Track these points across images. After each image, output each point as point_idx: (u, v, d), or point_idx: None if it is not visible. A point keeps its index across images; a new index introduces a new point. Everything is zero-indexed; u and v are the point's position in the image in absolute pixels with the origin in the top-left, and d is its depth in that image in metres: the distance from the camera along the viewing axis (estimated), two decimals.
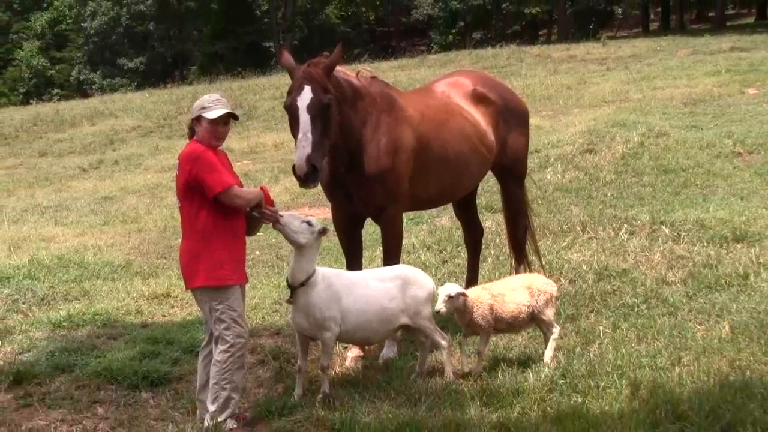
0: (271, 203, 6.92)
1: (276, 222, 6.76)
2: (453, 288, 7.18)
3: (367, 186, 7.84)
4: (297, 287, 6.90)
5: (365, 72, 8.24)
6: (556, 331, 7.53)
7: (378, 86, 8.16)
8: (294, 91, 7.23)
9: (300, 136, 7.06)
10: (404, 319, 7.31)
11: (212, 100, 6.68)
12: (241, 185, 6.77)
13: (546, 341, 7.55)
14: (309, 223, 6.83)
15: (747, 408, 6.13)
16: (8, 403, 7.46)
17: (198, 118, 6.67)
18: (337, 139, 7.61)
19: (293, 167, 7.08)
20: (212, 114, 6.58)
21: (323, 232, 6.92)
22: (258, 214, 6.79)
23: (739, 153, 16.68)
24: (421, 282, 7.43)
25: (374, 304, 7.15)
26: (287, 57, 7.61)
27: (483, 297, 7.29)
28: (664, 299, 8.98)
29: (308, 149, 7.01)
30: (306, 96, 7.14)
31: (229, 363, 6.59)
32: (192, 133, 6.78)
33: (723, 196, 13.56)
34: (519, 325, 7.51)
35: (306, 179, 7.05)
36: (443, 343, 7.42)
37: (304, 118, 7.08)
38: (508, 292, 7.40)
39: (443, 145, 8.33)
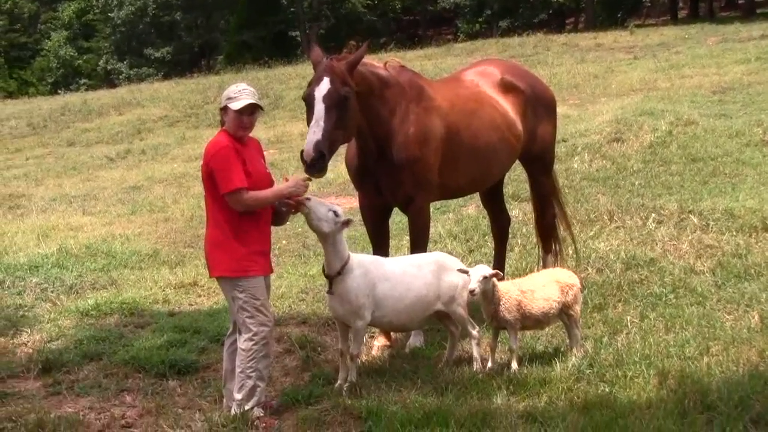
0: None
1: (302, 205, 6.75)
2: (487, 269, 7.10)
3: (396, 175, 7.83)
4: (334, 276, 6.92)
5: (393, 62, 8.22)
6: (578, 333, 7.50)
7: (407, 76, 8.14)
8: (313, 83, 7.25)
9: (312, 123, 7.10)
10: (439, 306, 7.31)
11: (238, 90, 6.68)
12: (268, 178, 6.81)
13: (570, 336, 7.50)
14: (335, 213, 6.80)
15: None
16: (37, 391, 7.52)
17: (225, 108, 6.69)
18: (365, 130, 7.62)
19: (301, 152, 7.08)
20: (237, 105, 6.59)
21: (347, 223, 6.92)
22: (284, 208, 6.81)
23: None
24: (456, 268, 7.40)
25: (411, 291, 7.16)
26: (317, 52, 7.58)
27: (512, 292, 7.19)
28: (692, 289, 8.92)
29: (318, 135, 7.02)
30: (324, 87, 7.15)
31: (253, 351, 6.61)
32: (222, 121, 6.80)
33: (752, 185, 13.43)
34: (548, 321, 7.44)
35: (312, 165, 7.02)
36: (474, 332, 7.41)
37: (319, 107, 7.10)
38: (539, 288, 7.30)
39: (473, 135, 8.31)
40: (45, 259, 11.76)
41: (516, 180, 13.74)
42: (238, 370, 6.65)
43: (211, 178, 6.59)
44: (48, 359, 7.98)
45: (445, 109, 8.15)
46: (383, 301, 7.04)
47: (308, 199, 6.75)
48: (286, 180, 6.85)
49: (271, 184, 6.83)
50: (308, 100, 7.25)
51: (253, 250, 6.67)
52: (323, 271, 7.06)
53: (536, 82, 9.41)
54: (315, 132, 7.04)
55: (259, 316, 6.65)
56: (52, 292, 10.40)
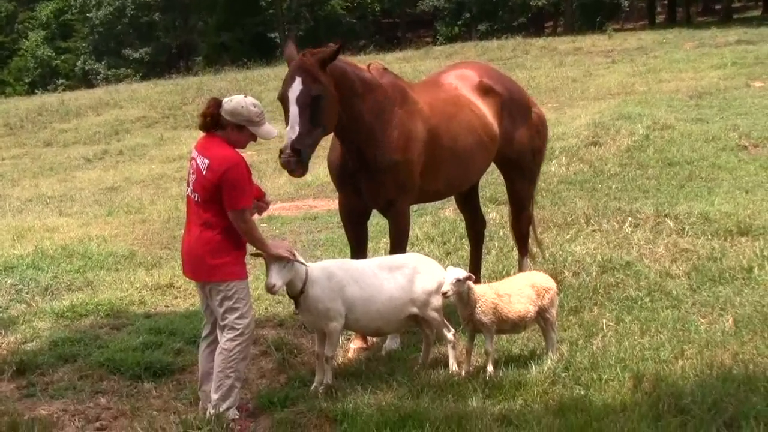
0: (263, 195, 6.94)
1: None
2: (461, 272, 7.09)
3: (378, 179, 7.81)
4: (298, 295, 6.92)
5: (377, 64, 8.23)
6: (555, 336, 7.51)
7: (389, 79, 8.12)
8: (286, 83, 7.25)
9: (288, 128, 7.10)
10: (413, 309, 7.27)
11: (259, 113, 6.55)
12: (258, 191, 6.83)
13: (546, 339, 7.50)
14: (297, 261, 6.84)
15: (750, 401, 6.12)
16: (11, 393, 7.47)
17: (240, 126, 6.56)
18: (348, 131, 7.62)
19: (280, 152, 7.11)
20: (265, 132, 6.60)
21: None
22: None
23: (745, 146, 16.63)
24: (431, 271, 7.37)
25: (382, 293, 7.12)
26: (291, 48, 7.59)
27: (488, 295, 7.16)
28: (667, 292, 8.96)
29: (293, 138, 7.04)
30: (296, 87, 7.14)
31: (236, 352, 6.60)
32: (211, 124, 6.63)
33: (728, 189, 13.51)
34: (525, 324, 7.41)
35: (291, 166, 7.06)
36: (449, 336, 7.38)
37: (293, 110, 7.11)
38: (515, 292, 7.28)
39: (453, 138, 8.31)
40: (20, 260, 11.66)
41: (493, 183, 13.77)
42: (217, 369, 6.62)
43: (217, 187, 6.46)
44: (22, 361, 7.93)
45: (426, 113, 8.14)
46: (353, 303, 7.03)
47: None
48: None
49: None
50: (282, 101, 7.28)
51: (244, 254, 6.73)
52: (287, 292, 7.04)
53: (512, 85, 9.42)
54: (290, 137, 7.06)
55: (248, 318, 6.66)
56: (27, 293, 10.32)
